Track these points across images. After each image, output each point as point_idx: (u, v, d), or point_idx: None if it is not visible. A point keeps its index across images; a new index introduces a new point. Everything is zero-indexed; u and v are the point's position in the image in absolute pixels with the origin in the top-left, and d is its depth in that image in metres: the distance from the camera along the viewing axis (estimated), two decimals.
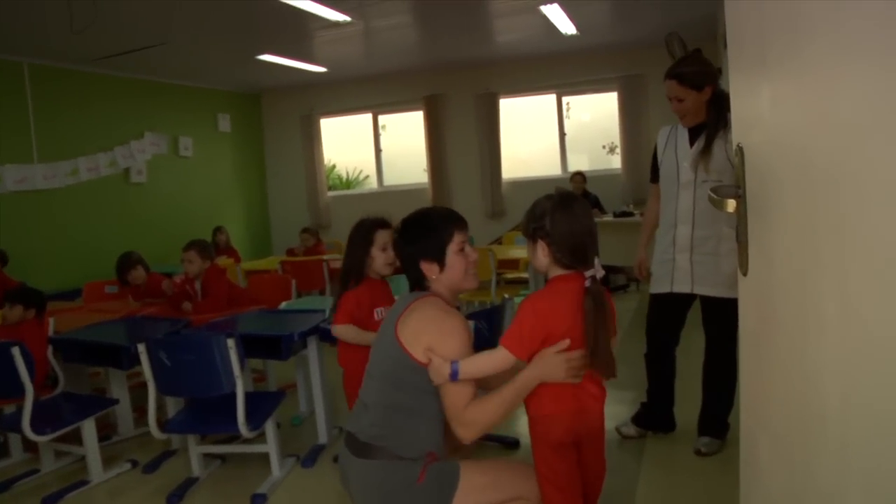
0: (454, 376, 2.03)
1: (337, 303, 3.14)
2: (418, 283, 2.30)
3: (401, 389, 2.20)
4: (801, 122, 0.91)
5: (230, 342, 3.19)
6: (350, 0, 6.12)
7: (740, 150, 1.17)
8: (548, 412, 2.09)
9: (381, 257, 3.11)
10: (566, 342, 1.99)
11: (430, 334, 2.12)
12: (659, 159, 3.41)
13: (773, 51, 1.00)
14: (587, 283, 2.00)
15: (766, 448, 1.15)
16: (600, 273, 2.03)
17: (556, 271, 2.07)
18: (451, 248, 2.25)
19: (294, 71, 9.02)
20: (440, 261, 2.24)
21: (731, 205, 1.15)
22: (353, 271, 3.13)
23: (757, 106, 1.11)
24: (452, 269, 2.26)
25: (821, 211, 0.85)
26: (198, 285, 4.82)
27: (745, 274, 1.18)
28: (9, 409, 3.82)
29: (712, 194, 1.19)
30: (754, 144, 1.12)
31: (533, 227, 2.07)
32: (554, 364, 2.01)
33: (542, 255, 2.07)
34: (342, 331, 3.07)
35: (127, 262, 5.44)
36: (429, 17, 7.21)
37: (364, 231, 3.14)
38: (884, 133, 0.70)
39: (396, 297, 3.20)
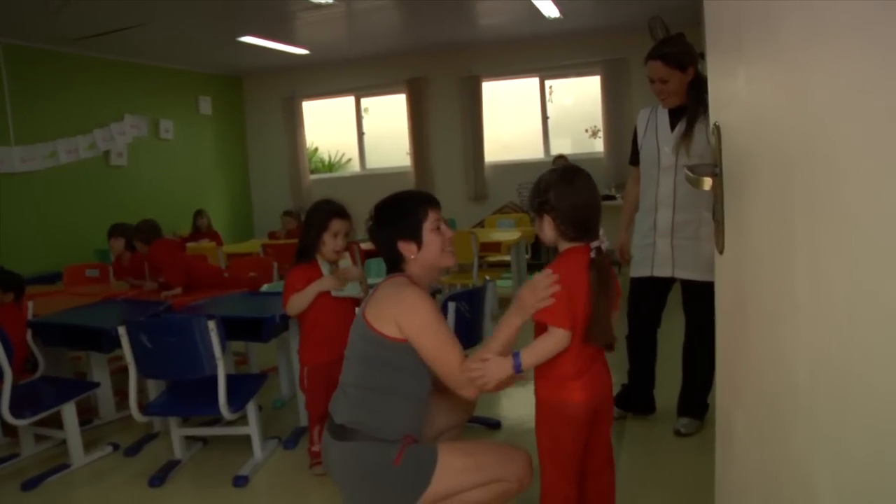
0: (518, 369, 2.08)
1: (286, 280, 3.26)
2: (395, 265, 2.34)
3: (375, 369, 2.23)
4: (775, 101, 0.91)
5: (211, 324, 3.19)
6: None
7: (717, 129, 1.18)
8: (578, 397, 2.10)
9: (331, 243, 3.20)
10: (548, 272, 2.05)
11: (394, 309, 2.17)
12: (639, 142, 3.42)
13: (748, 32, 1.01)
14: (592, 255, 2.06)
15: (740, 424, 1.17)
16: (605, 244, 2.09)
17: (565, 244, 2.12)
18: (427, 227, 2.30)
19: (276, 53, 8.94)
20: (417, 240, 2.29)
21: (708, 183, 1.16)
22: (306, 252, 3.23)
23: (733, 86, 1.12)
24: (430, 248, 2.30)
25: (794, 188, 0.85)
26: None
27: (721, 252, 1.19)
28: None
29: (689, 173, 1.20)
30: (730, 124, 1.13)
31: (538, 202, 2.11)
32: (521, 296, 2.08)
33: (548, 230, 2.11)
34: (291, 307, 3.20)
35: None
36: (412, 0, 7.17)
37: (321, 215, 3.21)
38: (854, 111, 0.71)
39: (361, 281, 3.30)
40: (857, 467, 0.74)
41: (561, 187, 2.08)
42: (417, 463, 2.20)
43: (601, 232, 2.10)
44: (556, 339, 2.04)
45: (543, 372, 2.13)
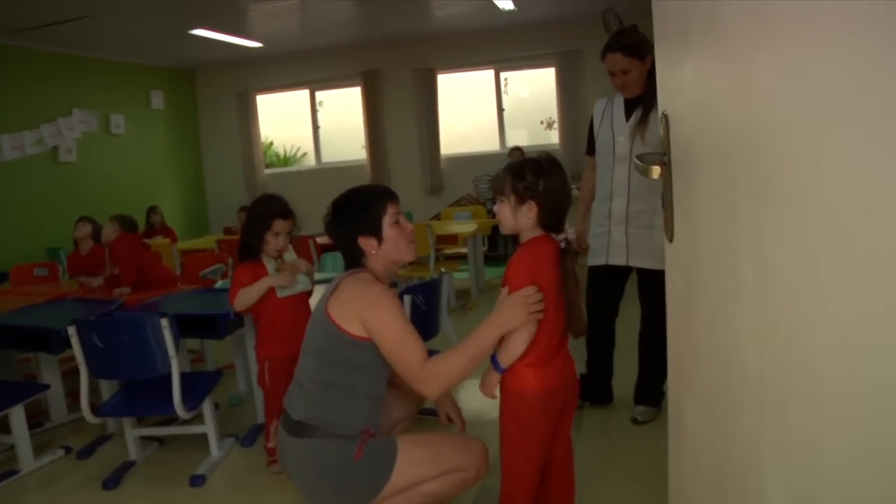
0: (500, 370, 2.10)
1: (232, 277, 3.22)
2: (355, 262, 2.33)
3: (334, 365, 2.22)
4: (718, 89, 0.92)
5: (164, 322, 3.13)
6: None
7: (665, 117, 1.19)
8: (547, 385, 2.12)
9: (273, 242, 3.19)
10: (532, 288, 2.05)
11: (359, 306, 2.15)
12: (595, 132, 3.45)
13: (693, 21, 1.01)
14: (562, 245, 2.12)
15: (691, 409, 1.18)
16: (571, 236, 2.14)
17: (532, 233, 2.13)
18: (387, 221, 2.29)
19: (229, 46, 8.81)
20: (377, 235, 2.28)
21: (657, 171, 1.17)
22: (249, 251, 3.22)
23: (680, 75, 1.12)
24: (390, 242, 2.29)
25: (738, 176, 0.86)
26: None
27: (670, 240, 1.20)
28: None
29: (638, 161, 1.21)
30: (678, 111, 1.14)
31: (524, 187, 2.09)
32: (512, 310, 2.05)
33: (527, 217, 2.10)
34: (239, 302, 3.18)
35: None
36: None
37: (263, 215, 3.21)
38: (793, 97, 0.72)
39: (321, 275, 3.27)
40: (801, 447, 0.76)
41: (552, 176, 2.10)
42: (378, 457, 2.19)
43: (566, 225, 2.14)
44: (529, 331, 2.06)
45: (518, 362, 2.12)
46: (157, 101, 9.89)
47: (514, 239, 2.21)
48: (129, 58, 9.27)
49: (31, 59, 7.88)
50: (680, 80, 1.13)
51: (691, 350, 1.16)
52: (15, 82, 7.67)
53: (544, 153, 2.20)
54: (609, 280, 3.45)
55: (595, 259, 3.44)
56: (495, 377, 2.12)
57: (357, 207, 2.32)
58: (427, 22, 8.67)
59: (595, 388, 3.64)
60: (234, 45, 8.74)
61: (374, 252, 2.28)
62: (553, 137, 9.74)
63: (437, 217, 8.69)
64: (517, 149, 8.82)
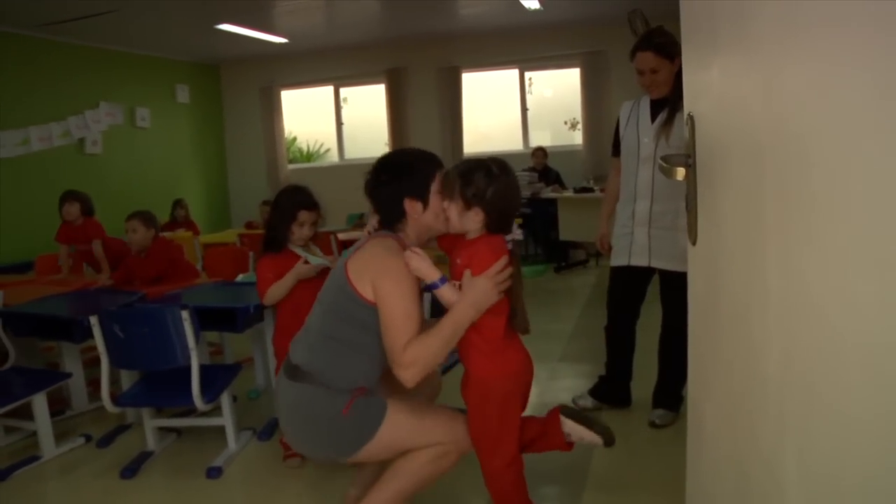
0: (433, 287, 2.14)
1: (257, 271, 3.23)
2: (393, 223, 2.29)
3: (343, 321, 2.22)
4: (747, 92, 0.91)
5: (184, 314, 3.15)
6: None
7: (691, 119, 1.18)
8: (515, 369, 2.22)
9: (298, 233, 3.19)
10: (500, 263, 2.11)
11: (374, 271, 2.15)
12: (621, 134, 3.43)
13: (722, 23, 1.00)
14: (510, 246, 2.18)
15: (711, 415, 1.17)
16: (518, 237, 2.21)
17: (477, 234, 2.18)
18: (433, 188, 2.25)
19: (254, 41, 8.85)
20: (424, 199, 2.24)
21: (681, 173, 1.15)
22: (275, 242, 3.21)
23: (707, 77, 1.11)
24: (432, 210, 2.25)
25: (765, 179, 0.85)
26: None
27: (693, 243, 1.19)
28: None
29: (663, 163, 1.19)
30: (704, 114, 1.13)
31: (471, 194, 2.12)
32: (484, 287, 2.09)
33: (472, 221, 2.15)
34: (269, 297, 3.18)
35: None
36: None
37: (290, 205, 3.20)
38: (823, 101, 0.70)
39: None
40: (823, 457, 0.74)
41: (499, 185, 2.14)
42: (365, 415, 2.20)
43: (514, 226, 2.21)
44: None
45: (476, 348, 2.20)
46: (183, 95, 9.96)
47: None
48: (156, 52, 9.35)
49: (59, 52, 7.97)
50: (707, 82, 1.11)
51: (713, 355, 1.14)
52: (43, 75, 7.76)
53: (495, 158, 2.23)
54: (631, 281, 3.42)
55: (617, 260, 3.42)
56: (430, 274, 2.12)
57: (408, 168, 2.28)
58: (452, 20, 8.66)
59: (613, 391, 3.61)
60: (259, 40, 8.78)
61: (416, 216, 2.25)
62: (577, 138, 9.69)
63: None
64: (540, 149, 8.80)
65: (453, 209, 2.16)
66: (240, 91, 10.70)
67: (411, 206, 2.24)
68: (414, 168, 2.27)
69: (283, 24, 8.24)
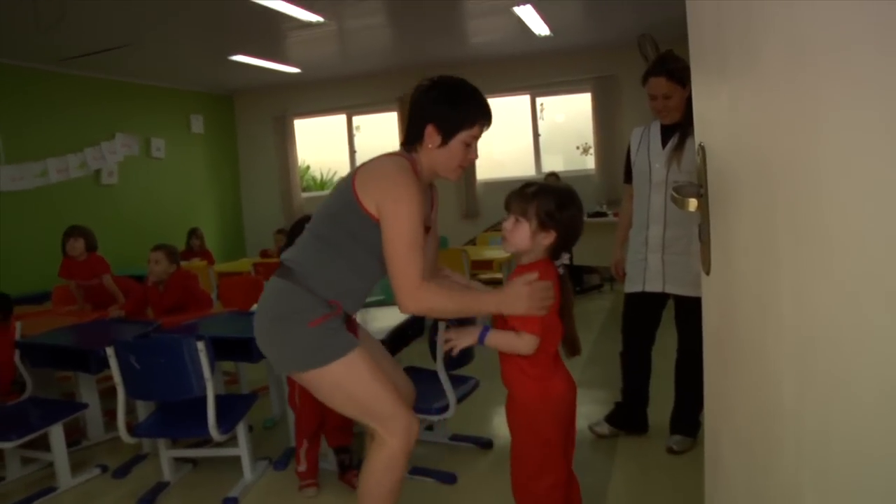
0: (481, 340, 2.14)
1: None
2: (411, 139, 2.25)
3: (334, 224, 2.21)
4: (757, 121, 0.91)
5: (200, 345, 3.16)
6: (323, 0, 6.09)
7: (702, 149, 1.18)
8: (560, 393, 2.20)
9: None
10: (535, 275, 2.10)
11: (381, 189, 2.12)
12: (632, 160, 3.44)
13: (731, 51, 1.01)
14: (561, 271, 2.18)
15: (728, 446, 1.16)
16: (566, 261, 2.23)
17: (536, 255, 2.17)
18: (462, 135, 2.20)
19: (267, 72, 8.96)
20: (446, 138, 2.19)
21: (693, 204, 1.16)
22: None
23: (717, 105, 1.12)
24: (446, 153, 2.21)
25: (777, 208, 0.85)
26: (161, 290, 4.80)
27: (707, 273, 1.19)
28: None
29: (675, 193, 1.20)
30: (715, 144, 1.13)
31: (545, 215, 2.12)
32: (518, 292, 2.07)
33: (543, 241, 2.14)
34: None
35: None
36: (402, 18, 7.20)
37: None
38: (834, 130, 0.71)
39: None
40: (842, 489, 0.74)
41: (574, 210, 2.17)
42: (328, 339, 2.17)
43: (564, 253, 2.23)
44: (526, 343, 2.11)
45: (522, 371, 2.18)
46: (197, 125, 10.07)
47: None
48: (170, 83, 9.47)
49: (76, 85, 8.10)
50: (717, 111, 1.12)
51: (728, 386, 1.14)
52: (61, 108, 7.88)
53: (554, 180, 2.26)
54: (646, 307, 3.41)
55: (632, 286, 3.41)
56: (472, 338, 2.17)
57: (454, 101, 2.19)
58: (463, 48, 8.73)
59: (630, 417, 3.59)
60: (272, 70, 8.89)
61: (430, 146, 2.19)
62: (589, 163, 9.71)
63: (473, 242, 8.70)
64: (553, 174, 8.81)
65: (524, 228, 2.15)
66: (253, 120, 10.81)
67: (430, 136, 2.18)
68: (458, 103, 2.19)
69: (295, 54, 8.34)
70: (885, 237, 0.64)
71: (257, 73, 8.97)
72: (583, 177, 9.37)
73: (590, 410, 3.89)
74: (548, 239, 2.14)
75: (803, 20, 0.75)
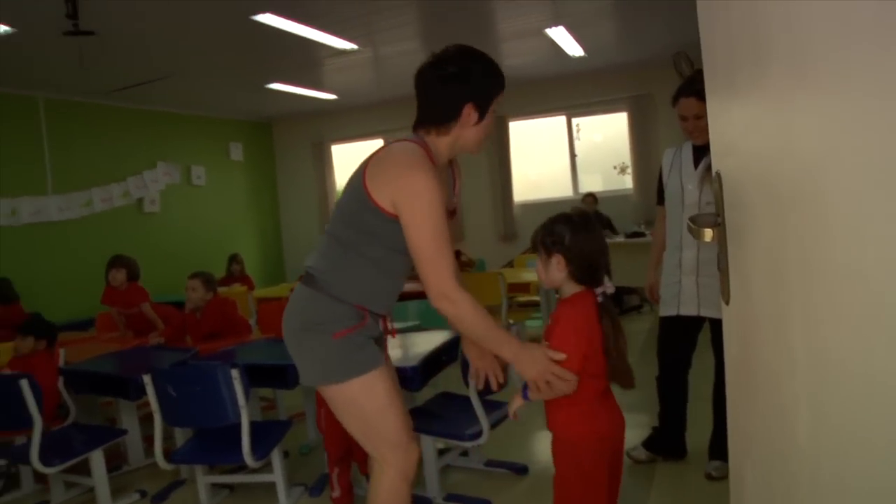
0: (525, 397, 2.12)
1: None
2: (432, 122, 2.13)
3: (351, 225, 2.12)
4: (766, 148, 0.89)
5: (234, 373, 3.19)
6: (356, 28, 6.18)
7: (718, 176, 1.16)
8: (605, 431, 2.12)
9: None
10: (562, 355, 2.03)
11: (395, 187, 2.00)
12: (664, 182, 3.40)
13: (741, 75, 0.99)
14: (600, 300, 2.11)
15: (750, 479, 1.13)
16: (610, 290, 2.12)
17: (571, 287, 2.13)
18: (493, 107, 2.12)
19: (304, 99, 9.09)
20: (483, 111, 2.09)
21: (709, 234, 1.14)
22: None
23: (730, 131, 1.10)
24: (480, 128, 2.12)
25: (788, 240, 0.83)
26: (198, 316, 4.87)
27: (727, 303, 1.16)
28: (20, 439, 3.84)
29: (691, 223, 1.18)
30: (730, 171, 1.11)
31: (551, 241, 2.11)
32: (535, 360, 2.02)
33: (556, 270, 2.11)
34: None
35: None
36: (435, 44, 7.11)
37: None
38: (839, 160, 0.69)
39: None
40: None
41: (577, 231, 2.11)
42: (351, 354, 2.10)
43: (606, 279, 2.13)
44: (569, 388, 2.06)
45: (565, 411, 2.13)
46: (237, 152, 10.25)
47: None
48: (210, 112, 9.68)
49: (119, 116, 8.32)
50: (731, 137, 1.10)
51: (748, 418, 1.11)
52: (105, 139, 8.11)
53: (577, 209, 2.21)
54: (681, 331, 3.36)
55: (666, 310, 3.36)
56: (519, 401, 2.15)
57: (486, 75, 2.11)
58: None
59: (668, 442, 3.53)
60: (309, 97, 9.02)
61: (468, 124, 2.08)
62: (627, 182, 9.64)
63: (510, 264, 8.67)
64: (590, 195, 8.77)
65: (540, 263, 2.15)
66: (292, 147, 10.96)
67: (469, 114, 2.07)
68: (489, 74, 2.11)
69: (331, 81, 8.45)
70: (892, 274, 0.62)
71: (294, 100, 9.11)
72: (621, 197, 9.31)
73: (628, 435, 3.81)
74: (560, 265, 2.10)
75: (807, 47, 0.74)
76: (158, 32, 5.75)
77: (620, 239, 7.76)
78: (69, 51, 5.42)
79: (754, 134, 0.96)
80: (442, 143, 2.13)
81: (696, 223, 1.16)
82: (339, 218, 2.16)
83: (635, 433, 3.82)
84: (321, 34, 6.13)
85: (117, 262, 5.49)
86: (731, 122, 1.10)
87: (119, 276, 5.41)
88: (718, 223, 1.12)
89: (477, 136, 2.13)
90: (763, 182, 0.92)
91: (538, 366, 2.02)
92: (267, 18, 5.54)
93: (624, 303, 8.09)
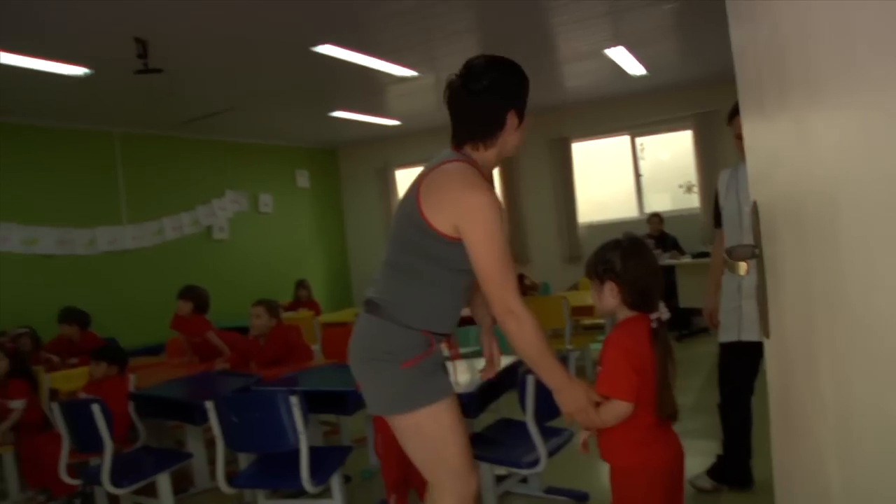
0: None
1: None
2: (481, 138, 2.11)
3: (409, 251, 2.12)
4: (791, 178, 0.86)
5: (293, 399, 3.23)
6: (416, 55, 6.24)
7: (755, 206, 1.13)
8: (661, 462, 2.09)
9: None
10: (598, 398, 2.04)
11: (454, 211, 1.99)
12: (721, 204, 3.32)
13: (768, 101, 0.96)
14: (654, 325, 2.07)
15: None
16: (665, 315, 2.09)
17: (624, 313, 2.11)
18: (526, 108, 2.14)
19: (367, 125, 9.22)
20: (522, 115, 2.11)
21: (743, 268, 1.10)
22: None
23: (762, 158, 1.07)
24: (520, 131, 2.14)
25: (814, 275, 0.79)
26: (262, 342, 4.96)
27: (767, 336, 1.12)
28: (95, 461, 3.96)
29: (727, 257, 1.15)
30: (764, 200, 1.08)
31: (602, 269, 2.10)
32: (576, 398, 2.02)
33: (610, 297, 2.10)
34: None
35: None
36: None
37: None
38: (856, 190, 0.66)
39: None
40: None
41: (627, 256, 2.09)
42: (420, 384, 2.09)
43: (661, 304, 2.10)
44: (616, 410, 2.03)
45: (619, 439, 2.09)
46: (303, 179, 10.45)
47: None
48: (276, 140, 9.90)
49: (188, 147, 8.61)
50: (764, 165, 1.06)
51: (789, 455, 1.07)
52: (175, 169, 8.40)
53: (628, 234, 2.17)
54: (742, 357, 3.25)
55: (726, 335, 3.27)
56: (584, 432, 2.16)
57: (518, 79, 2.12)
58: (558, 92, 8.73)
59: (733, 471, 3.40)
60: (372, 124, 9.14)
61: (511, 130, 2.09)
62: (694, 201, 9.43)
63: (575, 287, 8.58)
64: (655, 215, 8.62)
65: (594, 290, 2.14)
66: (357, 173, 11.12)
67: (512, 121, 2.08)
68: (523, 80, 2.13)
69: (394, 107, 8.55)
70: None
71: (358, 127, 9.25)
72: (688, 216, 9.12)
73: (694, 462, 3.71)
74: (613, 292, 2.07)
75: (819, 71, 0.71)
76: (223, 67, 5.94)
77: (687, 259, 7.59)
78: (141, 88, 5.65)
79: (781, 162, 0.93)
80: (490, 155, 2.13)
81: (732, 256, 1.13)
82: (398, 246, 2.16)
83: (703, 460, 3.71)
84: (381, 62, 6.22)
85: (187, 293, 5.65)
86: (762, 148, 1.07)
87: (186, 307, 5.56)
88: (756, 254, 1.08)
89: (517, 140, 2.15)
90: (789, 213, 0.89)
91: (576, 404, 2.02)
92: (327, 49, 5.65)
93: (692, 325, 7.90)
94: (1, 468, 4.63)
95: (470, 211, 1.97)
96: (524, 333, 1.98)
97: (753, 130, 1.14)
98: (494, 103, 2.08)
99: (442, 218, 2.00)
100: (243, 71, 6.12)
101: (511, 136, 2.11)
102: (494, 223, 1.96)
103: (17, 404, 4.48)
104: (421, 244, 2.07)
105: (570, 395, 2.02)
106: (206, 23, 4.80)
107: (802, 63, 0.75)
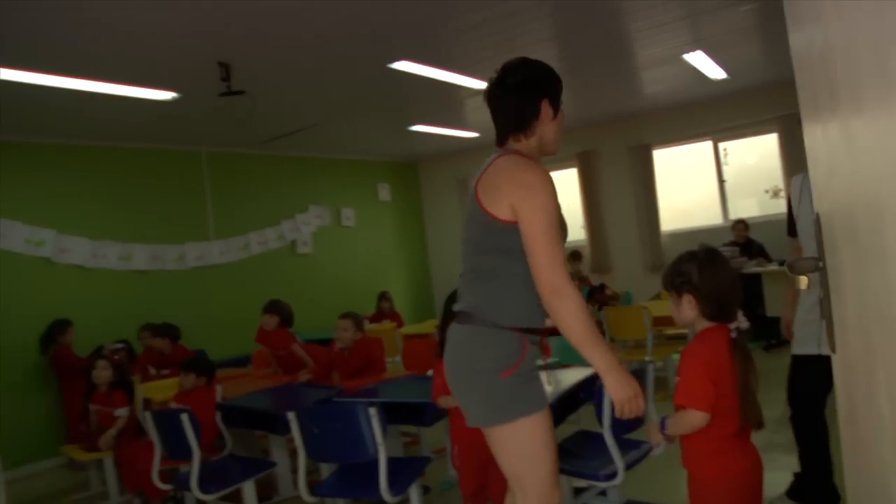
0: (663, 428, 2.16)
1: (434, 375, 3.22)
2: (516, 128, 2.21)
3: (481, 253, 2.17)
4: (845, 191, 0.85)
5: (372, 411, 3.29)
6: (493, 67, 6.25)
7: (818, 218, 1.10)
8: (739, 471, 2.08)
9: None
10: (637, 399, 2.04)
11: (510, 190, 2.06)
12: (795, 212, 3.20)
13: (824, 113, 0.94)
14: (733, 335, 2.08)
15: None
16: (744, 325, 2.09)
17: (703, 324, 2.13)
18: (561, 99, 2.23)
19: (447, 138, 9.29)
20: (556, 105, 2.21)
21: (804, 282, 1.08)
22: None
23: (822, 170, 1.04)
24: (557, 123, 2.23)
25: (869, 291, 0.78)
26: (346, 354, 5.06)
27: (833, 352, 1.09)
28: (185, 468, 4.12)
29: (788, 271, 1.13)
30: (826, 212, 1.05)
31: (679, 281, 2.13)
32: (628, 381, 2.00)
33: (688, 309, 2.12)
34: (441, 402, 3.27)
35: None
36: (574, 75, 7.22)
37: None
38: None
39: None
40: None
41: (704, 268, 2.10)
42: (519, 393, 2.11)
43: (739, 314, 2.09)
44: (691, 419, 2.04)
45: (697, 448, 2.10)
46: (384, 193, 10.60)
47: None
48: (357, 155, 10.09)
49: (272, 164, 8.86)
50: (824, 177, 1.04)
51: (858, 476, 1.03)
52: (260, 186, 8.67)
53: (703, 245, 2.15)
54: (820, 370, 3.11)
55: (804, 348, 3.14)
56: (657, 435, 2.18)
57: (548, 74, 2.22)
58: (638, 99, 8.61)
59: (814, 490, 3.24)
60: (451, 136, 9.21)
61: (546, 120, 2.18)
62: (781, 206, 9.11)
63: (658, 296, 8.42)
64: (741, 221, 8.39)
65: (672, 302, 2.16)
66: (437, 185, 11.21)
67: (545, 109, 2.18)
68: (554, 75, 2.24)
69: (472, 119, 8.59)
70: None
71: (437, 140, 9.33)
72: (774, 222, 8.82)
73: (777, 478, 3.60)
74: (691, 304, 2.06)
75: (861, 83, 0.70)
76: (303, 86, 6.11)
77: (774, 267, 7.36)
78: (225, 109, 5.86)
79: (836, 173, 0.91)
80: (532, 144, 2.21)
81: (794, 269, 1.11)
82: (470, 252, 2.23)
83: (783, 476, 3.60)
84: (457, 76, 6.27)
85: (272, 307, 5.81)
86: (821, 158, 1.05)
87: (271, 321, 5.72)
88: (819, 268, 1.06)
89: (555, 133, 2.23)
90: (845, 225, 0.87)
91: (628, 389, 1.99)
92: (403, 66, 5.74)
93: (780, 334, 7.64)
94: (102, 472, 4.88)
95: (523, 185, 2.06)
96: (569, 310, 2.00)
97: (813, 140, 1.11)
98: (528, 93, 2.18)
99: (499, 203, 2.08)
100: (322, 89, 6.28)
101: (548, 127, 2.20)
102: (546, 197, 2.04)
103: (123, 412, 4.76)
104: (490, 241, 2.14)
105: (619, 380, 2.00)
106: (284, 45, 4.96)
107: (848, 74, 0.74)
